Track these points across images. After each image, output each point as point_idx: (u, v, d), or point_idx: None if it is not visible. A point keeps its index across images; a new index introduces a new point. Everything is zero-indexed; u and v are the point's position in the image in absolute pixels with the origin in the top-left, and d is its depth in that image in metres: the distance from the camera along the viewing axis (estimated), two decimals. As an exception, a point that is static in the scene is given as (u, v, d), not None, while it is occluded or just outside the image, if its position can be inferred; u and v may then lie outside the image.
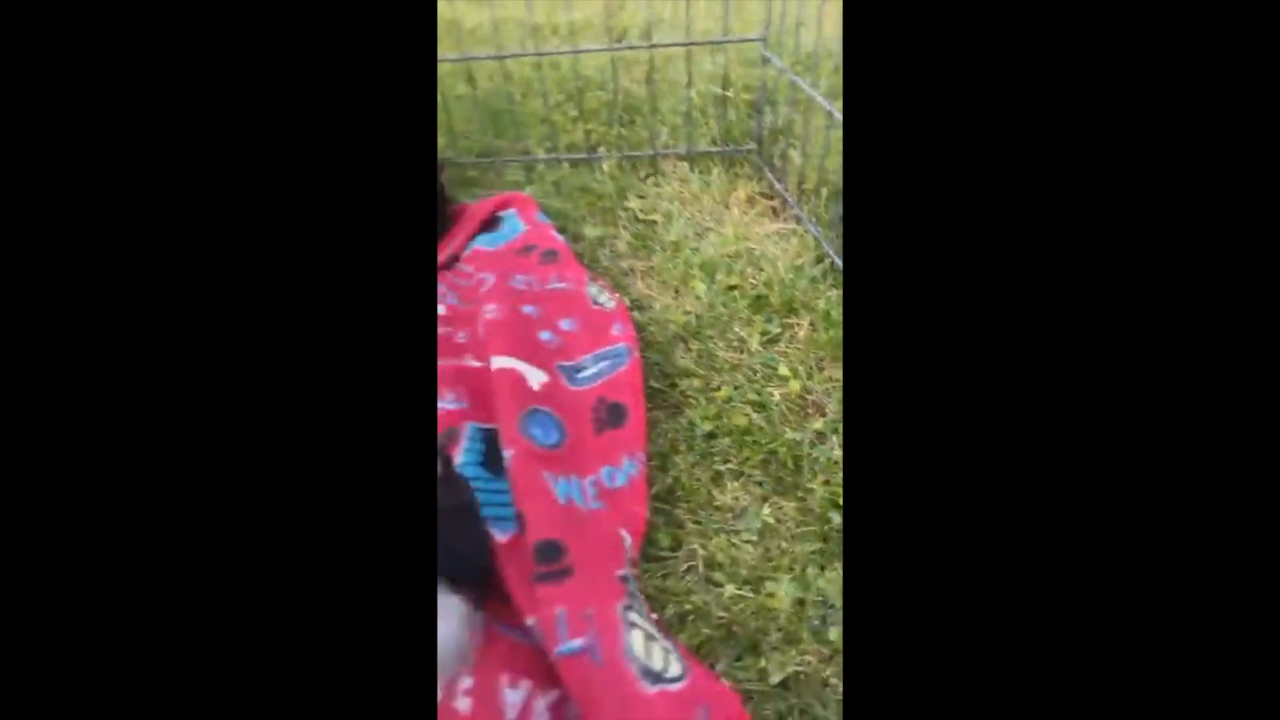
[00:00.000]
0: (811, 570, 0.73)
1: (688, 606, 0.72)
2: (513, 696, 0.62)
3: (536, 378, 0.85)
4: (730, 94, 1.39)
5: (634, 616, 0.61)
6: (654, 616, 0.67)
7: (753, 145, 1.37)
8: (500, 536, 0.71)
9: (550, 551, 0.64)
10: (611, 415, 0.85)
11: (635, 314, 1.03)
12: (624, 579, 0.65)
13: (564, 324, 0.98)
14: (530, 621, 0.62)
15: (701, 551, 0.76)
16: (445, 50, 1.76)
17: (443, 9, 2.02)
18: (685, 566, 0.75)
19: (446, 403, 0.86)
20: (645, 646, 0.59)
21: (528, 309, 0.98)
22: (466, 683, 0.64)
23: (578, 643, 0.59)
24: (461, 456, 0.80)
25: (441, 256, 1.16)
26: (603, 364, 0.91)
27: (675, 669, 0.59)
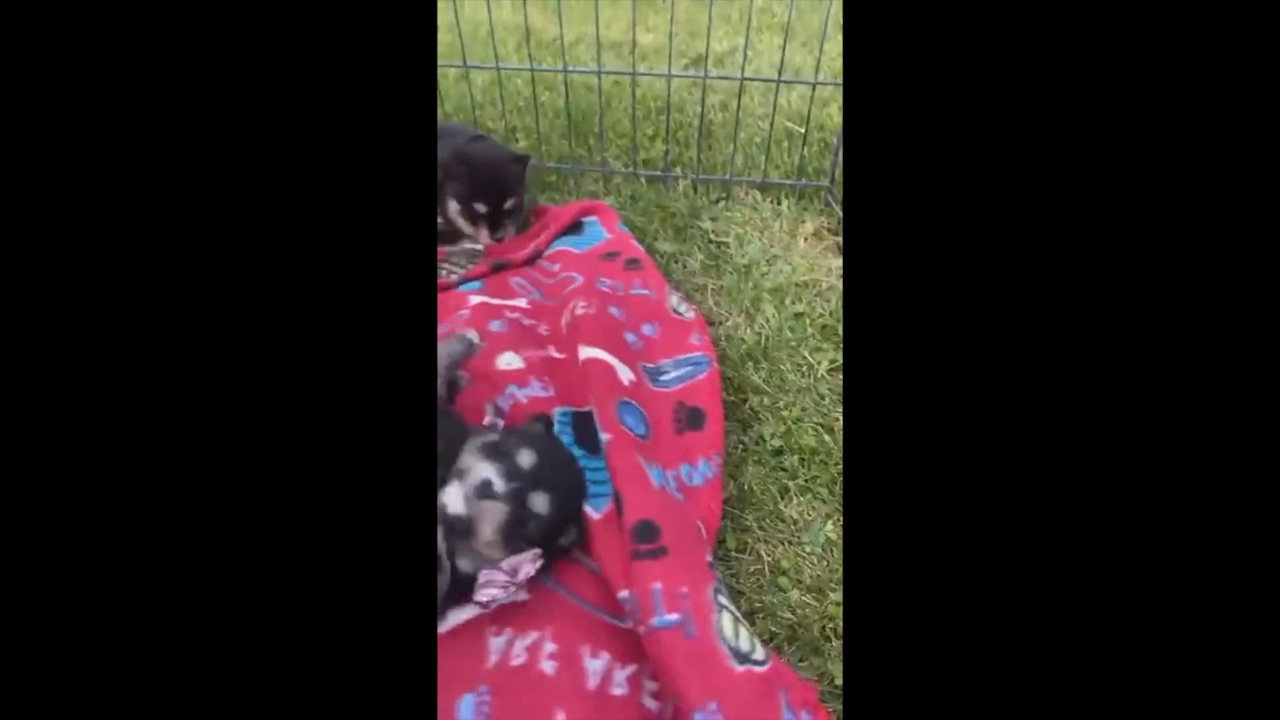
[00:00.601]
0: (874, 586, 0.77)
1: (757, 604, 0.76)
2: (594, 665, 0.66)
3: (624, 373, 0.90)
4: (805, 130, 1.46)
5: (724, 600, 0.65)
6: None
7: (826, 182, 1.43)
8: (595, 513, 0.75)
9: (648, 531, 0.68)
10: (691, 418, 0.90)
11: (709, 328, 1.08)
12: (712, 565, 0.69)
13: (646, 329, 1.03)
14: (625, 594, 0.66)
15: (767, 557, 0.81)
16: (523, 58, 1.84)
17: (518, 18, 2.10)
18: (752, 568, 0.80)
19: (534, 390, 0.91)
20: (734, 628, 0.63)
21: (614, 310, 1.03)
22: (550, 647, 0.68)
23: (673, 617, 0.63)
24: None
25: (525, 252, 1.21)
26: (683, 370, 0.96)
27: (760, 652, 0.63)
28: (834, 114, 1.65)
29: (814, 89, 1.37)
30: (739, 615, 0.66)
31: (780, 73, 1.36)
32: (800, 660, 0.71)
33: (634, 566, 0.67)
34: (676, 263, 1.27)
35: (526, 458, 0.70)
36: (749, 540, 0.82)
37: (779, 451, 0.91)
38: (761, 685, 0.61)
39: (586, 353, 0.90)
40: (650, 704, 0.65)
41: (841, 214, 1.36)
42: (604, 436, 0.78)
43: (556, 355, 0.97)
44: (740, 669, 0.61)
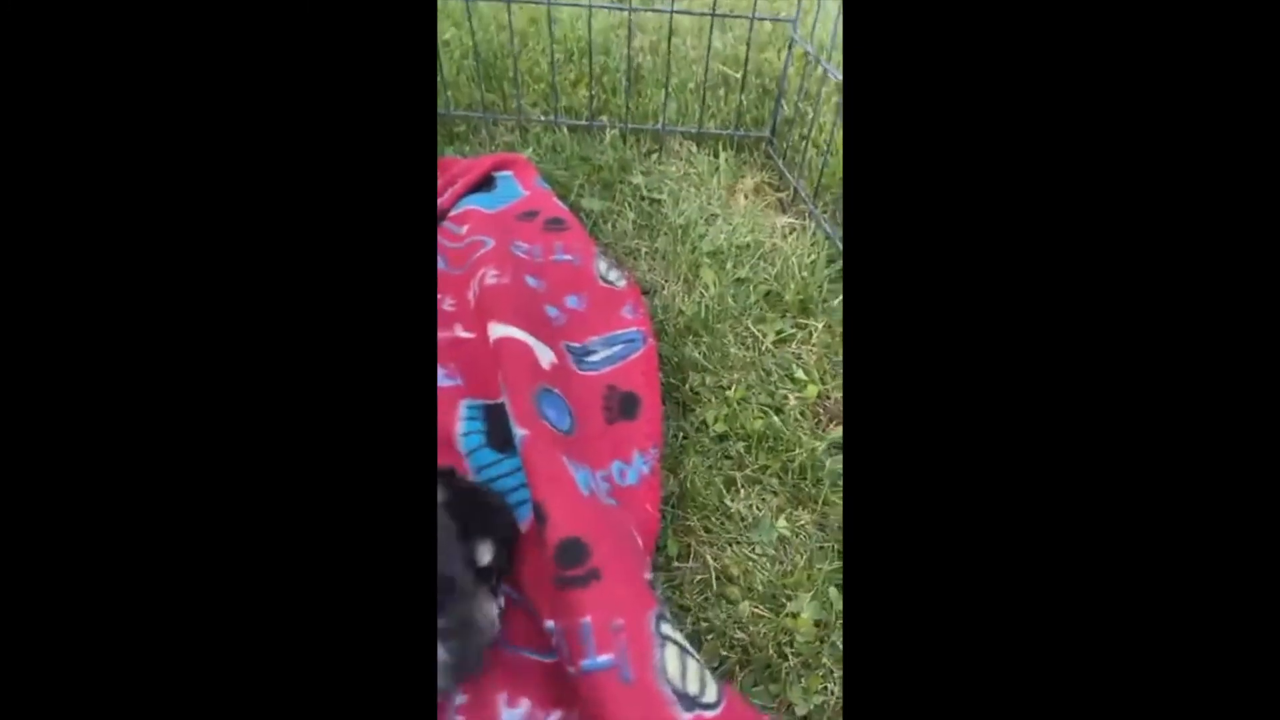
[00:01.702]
0: (833, 591, 0.68)
1: (703, 623, 0.66)
2: (511, 715, 0.55)
3: (545, 355, 0.77)
4: (743, 76, 1.33)
5: (667, 629, 0.55)
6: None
7: (766, 133, 1.31)
8: (522, 525, 0.63)
9: (575, 551, 0.57)
10: (623, 405, 0.78)
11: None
12: (652, 585, 0.58)
13: (570, 301, 0.90)
14: (550, 625, 0.54)
15: (714, 562, 0.71)
16: (434, -13, 1.61)
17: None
18: (698, 578, 0.70)
19: (440, 379, 0.77)
20: (680, 665, 0.53)
21: (531, 280, 0.89)
22: (460, 699, 0.55)
23: (606, 658, 0.52)
24: (462, 440, 0.70)
25: (428, 211, 1.04)
26: (614, 349, 0.84)
27: (712, 693, 0.53)
28: (772, 59, 1.52)
29: (751, 27, 1.23)
30: (686, 646, 0.55)
31: (715, 6, 1.21)
32: (754, 686, 0.62)
33: (560, 596, 0.55)
34: (605, 223, 1.13)
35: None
36: (692, 543, 0.72)
37: (723, 438, 0.81)
38: (713, 733, 0.51)
39: (498, 331, 0.76)
40: (581, 756, 0.54)
41: (784, 169, 1.25)
42: (519, 433, 0.65)
43: (463, 335, 0.82)
44: (687, 716, 0.51)
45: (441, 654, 0.52)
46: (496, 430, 0.72)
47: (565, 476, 0.62)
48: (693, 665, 0.54)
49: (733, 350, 0.91)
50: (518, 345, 0.75)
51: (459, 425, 0.72)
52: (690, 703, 0.52)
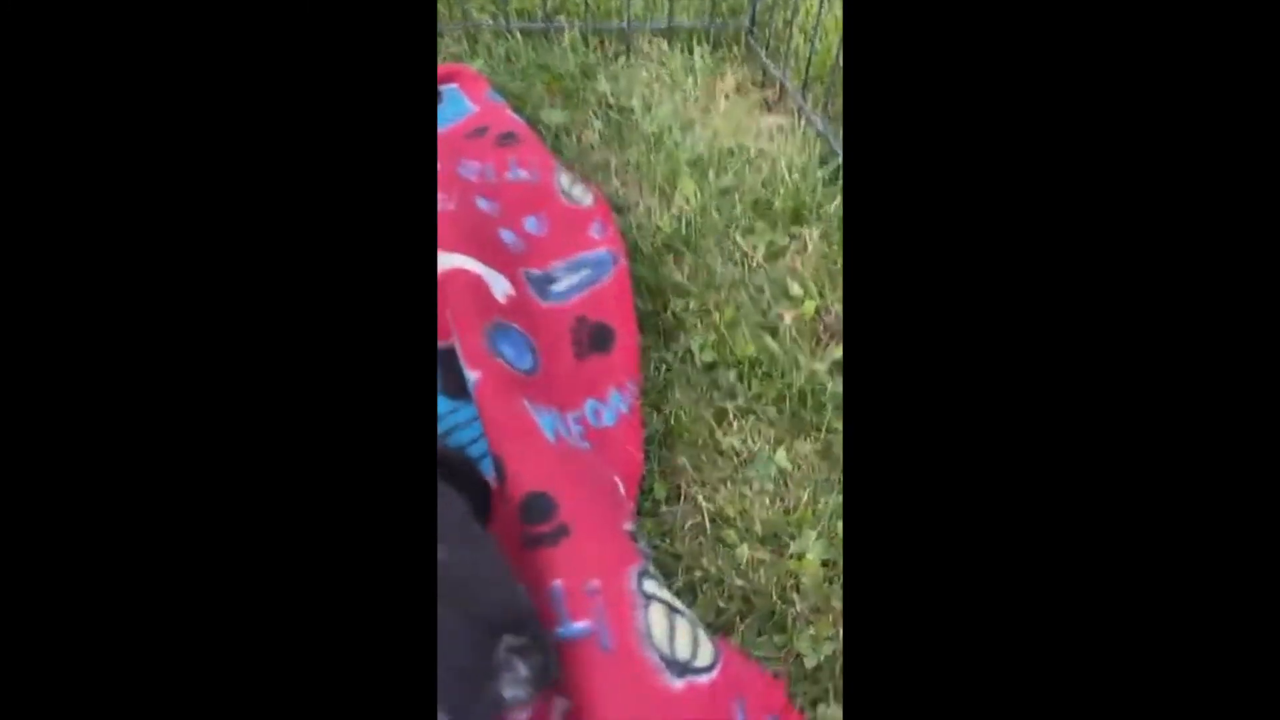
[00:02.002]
0: (841, 527, 0.61)
1: (697, 573, 0.59)
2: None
3: (500, 286, 0.67)
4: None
5: (651, 587, 0.47)
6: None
7: (745, 22, 1.16)
8: (490, 478, 0.55)
9: (540, 507, 0.49)
10: (595, 338, 0.68)
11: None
12: (632, 536, 0.51)
13: (529, 223, 0.79)
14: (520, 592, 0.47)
15: (706, 504, 0.63)
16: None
17: None
18: (689, 523, 0.62)
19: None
20: (667, 627, 0.46)
21: (483, 204, 0.78)
22: None
23: (582, 625, 0.45)
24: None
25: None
26: (581, 274, 0.74)
27: (705, 655, 0.46)
28: (749, -62, 1.34)
29: (723, -107, 1.06)
30: (674, 604, 0.48)
31: None
32: (758, 637, 0.56)
33: (526, 557, 0.48)
34: (568, 136, 1.00)
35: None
36: (682, 485, 0.65)
37: (711, 366, 0.72)
38: (708, 701, 0.44)
39: (447, 263, 0.66)
40: (563, 731, 0.47)
41: (768, 62, 1.10)
42: (470, 376, 0.56)
43: (412, 270, 0.72)
44: (678, 684, 0.44)
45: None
46: (451, 375, 0.63)
47: (525, 423, 0.54)
48: (682, 626, 0.47)
49: (718, 268, 0.81)
50: (466, 277, 0.65)
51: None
52: (681, 668, 0.45)
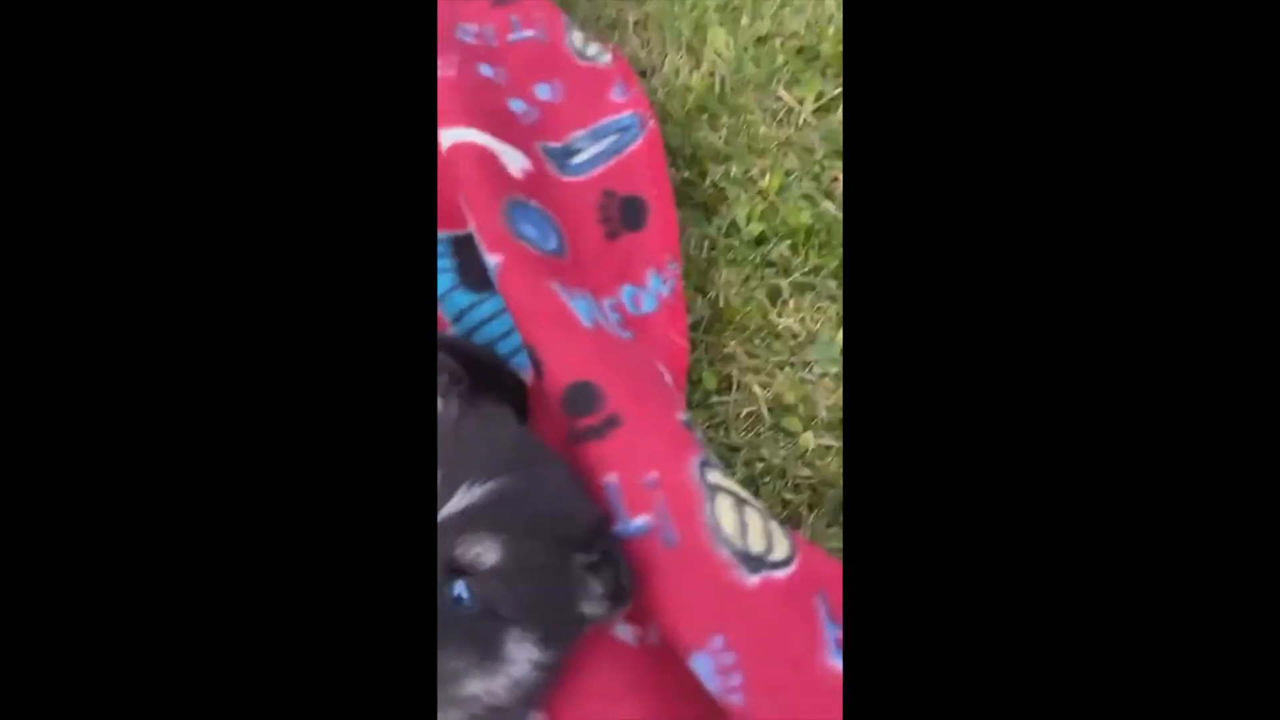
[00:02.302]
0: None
1: (758, 465, 0.53)
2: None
3: (515, 161, 0.59)
4: None
5: (715, 477, 0.42)
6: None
7: None
8: (524, 375, 0.50)
9: (585, 397, 0.44)
10: (626, 214, 0.60)
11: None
12: (689, 426, 0.45)
13: (541, 90, 0.69)
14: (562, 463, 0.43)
15: (762, 392, 0.57)
16: None
17: None
18: (744, 411, 0.57)
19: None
20: (737, 518, 0.41)
21: (486, 70, 0.67)
22: None
23: (642, 520, 0.40)
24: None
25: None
26: (604, 142, 0.65)
27: (781, 548, 0.41)
28: None
29: None
30: (743, 494, 0.43)
31: None
32: (828, 528, 0.51)
33: (574, 453, 0.44)
34: (576, -8, 0.87)
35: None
36: (733, 373, 0.58)
37: (760, 240, 0.64)
38: (786, 597, 0.40)
39: (451, 137, 0.57)
40: (624, 633, 0.44)
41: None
42: (492, 260, 0.49)
43: (416, 154, 0.63)
44: (753, 580, 0.40)
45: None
46: (471, 266, 0.56)
47: (557, 308, 0.47)
48: (754, 517, 0.42)
49: (761, 128, 0.71)
50: (476, 151, 0.57)
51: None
52: (756, 563, 0.40)
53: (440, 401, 0.42)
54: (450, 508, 0.35)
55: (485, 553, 0.35)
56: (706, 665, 0.38)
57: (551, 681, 0.39)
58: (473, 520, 0.35)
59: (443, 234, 0.59)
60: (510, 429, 0.42)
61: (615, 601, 0.40)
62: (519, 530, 0.36)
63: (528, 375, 0.51)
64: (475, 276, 0.56)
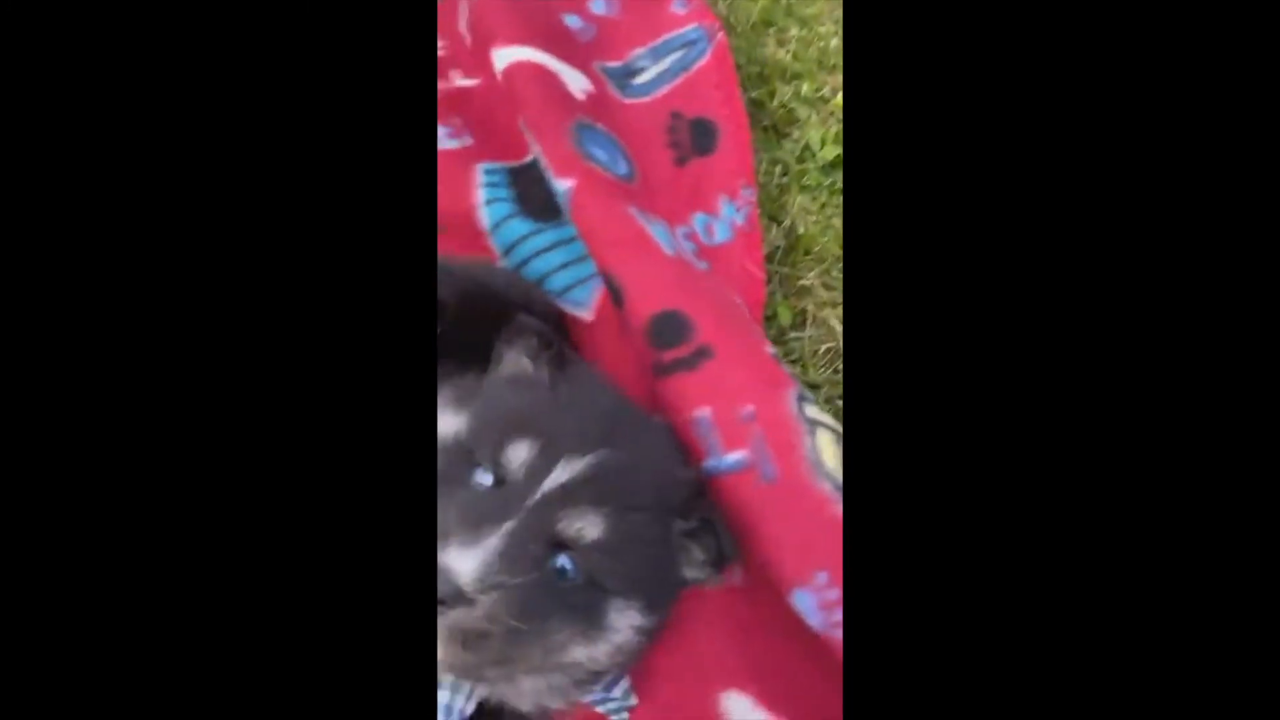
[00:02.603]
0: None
1: (840, 402, 0.51)
2: None
3: (576, 81, 0.55)
4: None
5: (813, 411, 0.40)
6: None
7: None
8: (581, 311, 0.47)
9: (674, 327, 0.41)
10: (696, 137, 0.56)
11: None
12: (777, 359, 0.43)
13: (596, 4, 0.64)
14: (659, 427, 0.41)
15: (840, 327, 0.54)
16: None
17: None
18: (822, 347, 0.54)
19: (439, 142, 0.56)
20: (838, 454, 0.39)
21: (536, -17, 0.62)
22: None
23: (738, 455, 0.39)
24: (485, 211, 0.52)
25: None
26: (668, 60, 0.60)
27: None
28: None
29: None
30: (841, 430, 0.41)
31: None
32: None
33: (661, 386, 0.41)
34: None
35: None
36: (810, 307, 0.55)
37: (836, 164, 0.60)
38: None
39: (506, 57, 0.53)
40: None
41: None
42: (562, 185, 0.46)
43: (464, 83, 0.60)
44: (856, 517, 0.38)
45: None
46: (530, 195, 0.53)
47: (638, 232, 0.44)
48: None
49: (834, 41, 0.65)
50: (536, 70, 0.53)
51: (478, 194, 0.53)
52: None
53: (530, 365, 0.40)
54: (551, 481, 0.34)
55: (588, 527, 0.34)
56: (809, 601, 0.37)
57: (651, 644, 0.39)
58: (574, 495, 0.34)
59: (497, 164, 0.56)
60: (606, 396, 0.41)
61: (716, 566, 0.39)
62: (621, 503, 0.35)
63: (586, 310, 0.48)
64: (535, 206, 0.53)
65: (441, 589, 0.30)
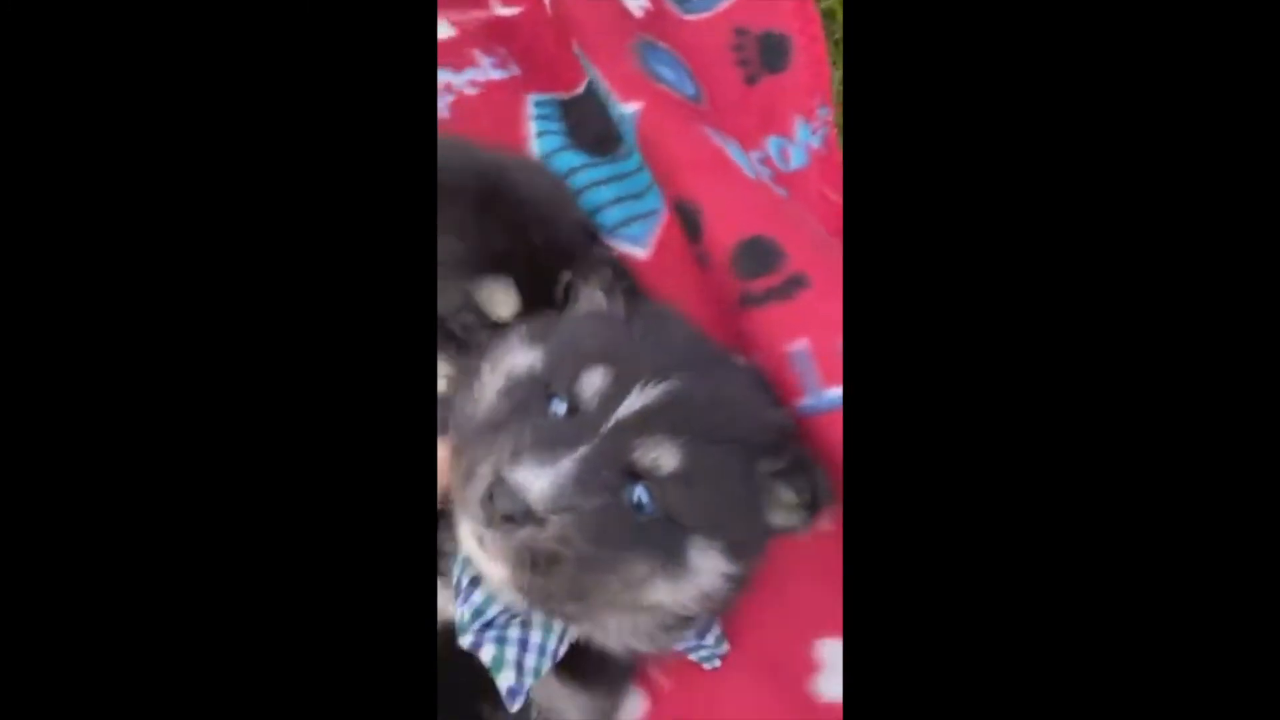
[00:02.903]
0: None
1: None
2: None
3: (633, -1, 0.50)
4: None
5: None
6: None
7: None
8: (637, 248, 0.44)
9: (762, 255, 0.38)
10: (766, 53, 0.52)
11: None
12: None
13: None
14: (742, 365, 0.39)
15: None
16: None
17: None
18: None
19: (485, 72, 0.53)
20: None
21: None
22: None
23: (838, 391, 0.36)
24: (537, 143, 0.49)
25: None
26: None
27: None
28: None
29: None
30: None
31: None
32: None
33: (749, 318, 0.39)
34: None
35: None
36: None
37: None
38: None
39: (557, -26, 0.49)
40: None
41: None
42: (628, 108, 0.43)
43: (505, 12, 0.57)
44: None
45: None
46: (583, 128, 0.50)
47: (717, 154, 0.41)
48: None
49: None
50: (590, -13, 0.48)
51: (529, 126, 0.50)
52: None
53: (604, 299, 0.38)
54: (625, 408, 0.32)
55: (664, 456, 0.32)
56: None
57: (741, 593, 0.37)
58: (649, 422, 0.32)
59: (548, 95, 0.53)
60: (683, 329, 0.38)
61: (810, 510, 0.37)
62: (699, 435, 0.33)
63: (643, 248, 0.45)
64: (588, 138, 0.50)
65: (511, 505, 0.29)
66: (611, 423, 0.32)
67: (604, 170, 0.48)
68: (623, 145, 0.48)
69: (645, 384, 0.33)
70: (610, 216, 0.47)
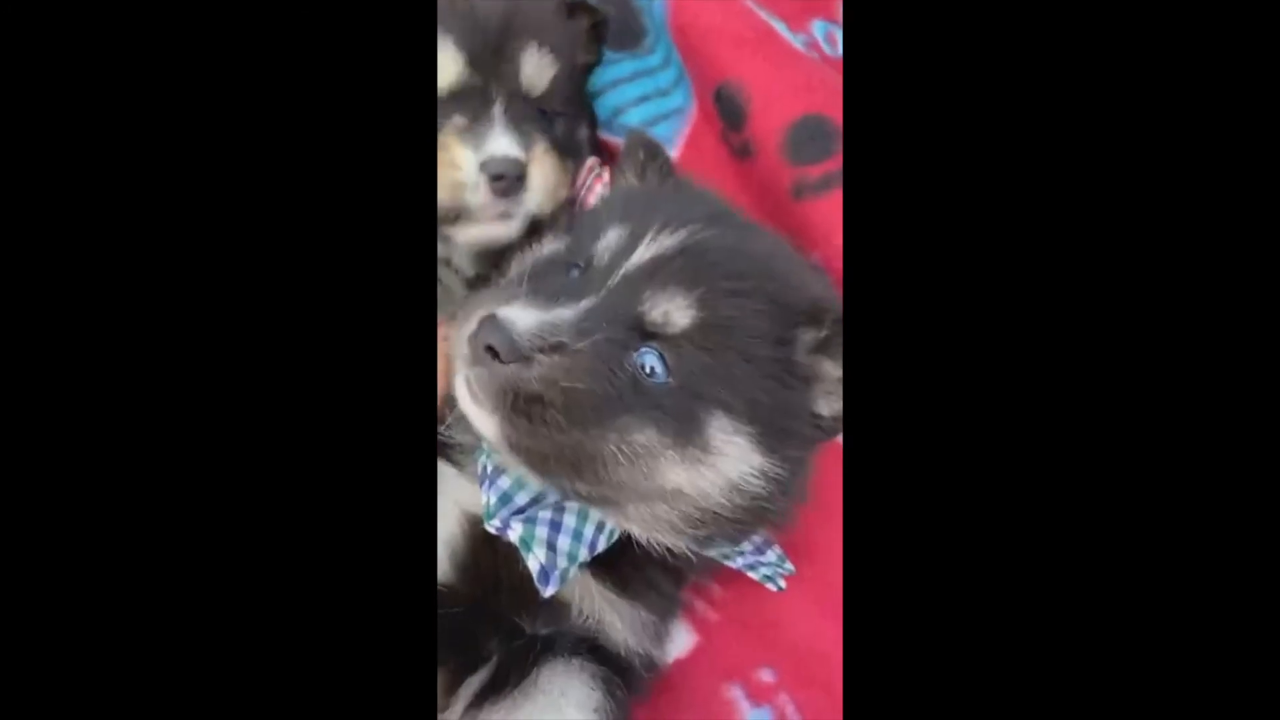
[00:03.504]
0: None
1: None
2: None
3: None
4: None
5: None
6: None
7: None
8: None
9: (818, 137, 0.34)
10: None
11: None
12: None
13: None
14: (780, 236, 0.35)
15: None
16: None
17: None
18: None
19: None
20: None
21: None
22: None
23: None
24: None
25: None
26: None
27: None
28: None
29: None
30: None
31: None
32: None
33: (804, 210, 0.35)
34: None
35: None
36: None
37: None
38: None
39: None
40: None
41: None
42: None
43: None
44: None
45: None
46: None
47: (765, 29, 0.36)
48: None
49: None
50: None
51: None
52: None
53: (637, 181, 0.35)
54: (635, 259, 0.28)
55: (675, 311, 0.28)
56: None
57: (794, 504, 0.32)
58: (661, 271, 0.28)
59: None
60: (716, 199, 0.34)
61: None
62: (719, 286, 0.28)
63: (671, 147, 0.41)
64: (610, 31, 0.45)
65: (496, 337, 0.26)
66: (619, 276, 0.28)
67: (627, 67, 0.44)
68: (647, 38, 0.43)
69: (659, 230, 0.28)
70: (634, 116, 0.43)
